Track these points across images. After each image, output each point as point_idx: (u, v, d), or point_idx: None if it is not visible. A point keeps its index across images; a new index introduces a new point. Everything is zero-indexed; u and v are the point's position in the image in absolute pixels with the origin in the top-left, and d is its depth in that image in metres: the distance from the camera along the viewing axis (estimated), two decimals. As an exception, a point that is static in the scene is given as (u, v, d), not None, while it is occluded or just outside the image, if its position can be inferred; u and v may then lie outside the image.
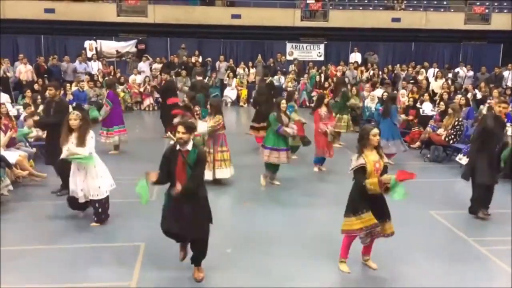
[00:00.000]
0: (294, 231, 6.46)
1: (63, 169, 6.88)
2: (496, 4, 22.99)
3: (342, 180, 7.83)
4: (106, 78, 15.10)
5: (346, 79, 17.04)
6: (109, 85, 10.69)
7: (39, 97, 11.74)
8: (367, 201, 5.05)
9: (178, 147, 4.81)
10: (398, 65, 19.52)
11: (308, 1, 21.93)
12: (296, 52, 21.59)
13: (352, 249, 5.39)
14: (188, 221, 4.77)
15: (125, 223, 6.60)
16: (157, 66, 18.43)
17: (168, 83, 13.08)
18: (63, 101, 8.10)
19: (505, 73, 18.06)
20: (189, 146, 4.80)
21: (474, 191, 7.11)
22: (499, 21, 21.92)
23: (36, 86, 14.40)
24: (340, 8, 22.33)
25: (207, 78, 18.37)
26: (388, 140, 9.54)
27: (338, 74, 18.53)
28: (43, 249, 5.78)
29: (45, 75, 16.50)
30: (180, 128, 4.72)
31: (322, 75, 18.82)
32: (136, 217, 6.84)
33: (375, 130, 5.10)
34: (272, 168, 8.43)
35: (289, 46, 21.59)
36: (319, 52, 21.90)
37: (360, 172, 5.03)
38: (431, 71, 18.26)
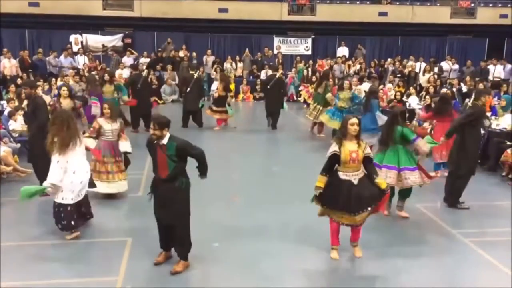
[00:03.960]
0: (283, 225, 6.46)
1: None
2: (481, -2, 23.19)
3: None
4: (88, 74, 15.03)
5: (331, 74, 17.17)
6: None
7: (23, 91, 11.59)
8: (337, 191, 5.19)
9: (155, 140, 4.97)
10: (389, 59, 19.54)
11: (295, -5, 21.91)
12: (283, 46, 21.55)
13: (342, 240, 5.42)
14: (166, 206, 5.03)
15: (110, 219, 6.56)
16: (144, 60, 18.30)
17: (134, 77, 12.71)
18: (38, 99, 7.83)
19: (490, 67, 18.23)
20: (165, 140, 4.91)
21: (455, 183, 7.18)
22: (485, 15, 22.11)
23: (19, 81, 14.21)
24: (327, 2, 22.32)
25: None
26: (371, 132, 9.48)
27: (326, 68, 18.54)
28: (28, 245, 5.73)
29: (30, 70, 16.31)
30: (152, 125, 4.89)
31: (310, 69, 18.82)
32: (122, 213, 6.83)
33: (354, 120, 5.21)
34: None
35: (276, 40, 21.55)
36: (307, 46, 21.90)
37: (332, 159, 5.20)
38: (418, 65, 18.36)
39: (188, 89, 12.57)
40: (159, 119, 4.93)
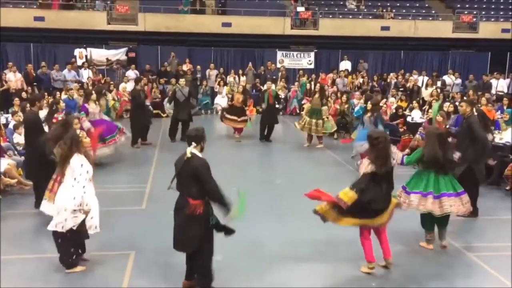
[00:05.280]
0: (285, 238, 6.45)
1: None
2: (483, 13, 23.32)
3: (335, 185, 7.84)
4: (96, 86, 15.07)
5: (335, 87, 17.28)
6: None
7: (28, 105, 11.64)
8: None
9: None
10: (391, 74, 19.57)
11: (298, 10, 22.08)
12: (286, 60, 21.66)
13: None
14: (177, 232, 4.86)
15: (114, 232, 6.55)
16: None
17: (135, 92, 12.69)
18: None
19: (493, 81, 18.25)
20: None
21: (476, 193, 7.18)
22: (487, 30, 22.25)
23: (24, 95, 14.29)
24: (330, 16, 22.50)
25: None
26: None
27: (329, 82, 18.61)
28: (32, 258, 5.72)
29: (34, 83, 16.40)
30: None
31: (312, 83, 18.87)
32: (125, 226, 6.81)
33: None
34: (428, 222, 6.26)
35: (279, 54, 21.66)
36: (309, 60, 21.99)
37: None
38: (420, 79, 18.41)
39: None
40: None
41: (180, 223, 4.76)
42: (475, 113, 7.66)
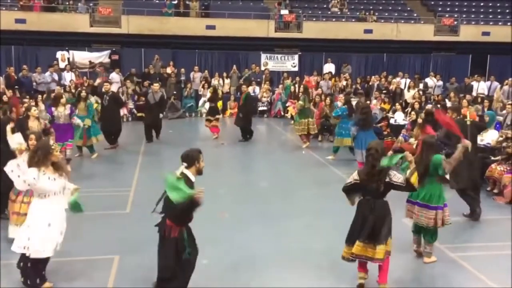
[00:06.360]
0: (272, 241, 6.45)
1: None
2: (464, 16, 23.67)
3: (320, 187, 7.89)
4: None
5: (320, 90, 17.37)
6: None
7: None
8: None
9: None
10: (374, 76, 19.73)
11: (282, 13, 22.17)
12: (270, 62, 21.73)
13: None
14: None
15: (98, 236, 6.49)
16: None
17: (113, 95, 12.67)
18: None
19: (474, 84, 18.51)
20: (193, 177, 4.63)
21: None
22: (467, 33, 22.61)
23: (5, 98, 14.08)
24: (314, 19, 22.63)
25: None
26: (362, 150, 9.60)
27: (313, 84, 18.70)
28: (13, 264, 5.63)
29: (16, 86, 16.19)
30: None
31: (297, 86, 18.94)
32: (109, 229, 6.76)
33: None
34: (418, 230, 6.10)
35: (263, 56, 21.73)
36: (294, 63, 22.09)
37: None
38: (403, 81, 18.60)
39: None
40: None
41: (158, 247, 4.69)
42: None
